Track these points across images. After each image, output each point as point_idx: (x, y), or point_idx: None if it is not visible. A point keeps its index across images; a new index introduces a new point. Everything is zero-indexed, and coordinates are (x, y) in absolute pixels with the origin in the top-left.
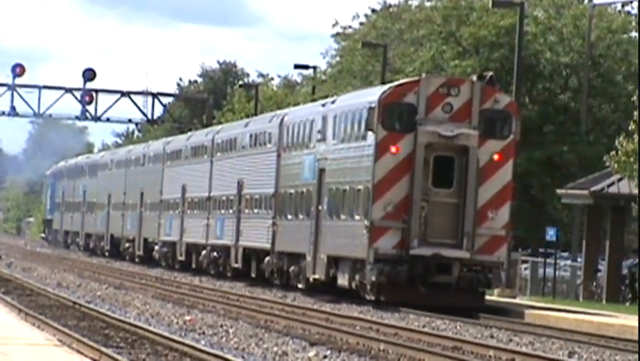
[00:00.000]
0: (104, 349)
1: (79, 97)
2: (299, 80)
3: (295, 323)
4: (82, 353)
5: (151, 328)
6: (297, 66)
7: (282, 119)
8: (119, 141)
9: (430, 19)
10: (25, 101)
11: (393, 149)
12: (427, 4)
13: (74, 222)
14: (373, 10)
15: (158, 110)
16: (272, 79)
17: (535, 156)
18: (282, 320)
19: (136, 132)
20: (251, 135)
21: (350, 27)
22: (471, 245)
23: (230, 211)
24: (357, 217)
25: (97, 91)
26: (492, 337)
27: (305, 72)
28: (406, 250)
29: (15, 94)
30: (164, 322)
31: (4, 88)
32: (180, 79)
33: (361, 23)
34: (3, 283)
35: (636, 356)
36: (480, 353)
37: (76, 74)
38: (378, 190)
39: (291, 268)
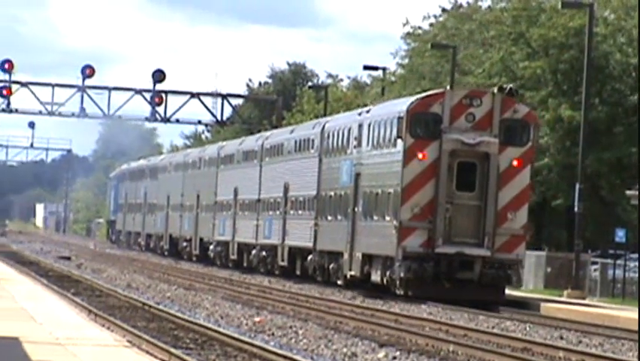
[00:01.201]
0: (173, 350)
1: (148, 98)
2: (368, 81)
3: (364, 324)
4: (151, 354)
5: (220, 329)
6: (366, 67)
7: (323, 127)
8: (188, 143)
9: (499, 20)
10: (95, 103)
11: (420, 155)
12: (498, 5)
13: (136, 223)
14: (444, 10)
15: (228, 112)
16: (341, 80)
17: (604, 157)
18: (351, 321)
19: (205, 134)
20: (296, 141)
21: (420, 28)
22: (492, 244)
23: (277, 212)
24: (387, 218)
25: (166, 92)
26: (561, 338)
27: (374, 73)
28: (432, 249)
29: (85, 95)
30: (234, 323)
31: (74, 89)
32: (250, 80)
33: (431, 24)
34: (73, 284)
35: None
36: (549, 354)
37: (145, 75)
38: (407, 193)
39: (331, 266)
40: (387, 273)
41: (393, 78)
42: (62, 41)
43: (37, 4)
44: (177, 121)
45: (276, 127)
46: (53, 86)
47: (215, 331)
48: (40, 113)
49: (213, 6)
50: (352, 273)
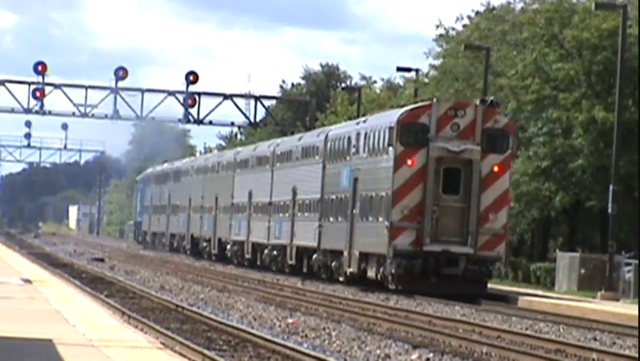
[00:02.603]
0: (206, 352)
1: (181, 100)
2: (401, 82)
3: (398, 326)
4: (185, 356)
5: (254, 331)
6: (399, 69)
7: (327, 135)
8: (222, 144)
9: (532, 21)
10: (128, 105)
11: (409, 162)
12: (531, 7)
13: (160, 224)
14: (477, 13)
15: (261, 113)
16: (374, 82)
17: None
18: (384, 322)
19: (239, 135)
20: (303, 148)
21: (453, 29)
22: (475, 242)
23: (287, 215)
24: (380, 219)
25: (199, 94)
26: (595, 339)
27: (407, 75)
28: (420, 247)
29: (118, 97)
30: (267, 325)
31: (107, 91)
32: (283, 81)
33: (464, 26)
34: (106, 285)
35: None
36: (583, 355)
37: (179, 77)
38: (397, 196)
39: (333, 263)
40: (381, 269)
41: (426, 80)
42: (95, 43)
43: (70, 6)
44: (210, 123)
45: (309, 129)
46: (86, 87)
47: (249, 333)
48: (74, 115)
49: (246, 8)
50: (351, 270)
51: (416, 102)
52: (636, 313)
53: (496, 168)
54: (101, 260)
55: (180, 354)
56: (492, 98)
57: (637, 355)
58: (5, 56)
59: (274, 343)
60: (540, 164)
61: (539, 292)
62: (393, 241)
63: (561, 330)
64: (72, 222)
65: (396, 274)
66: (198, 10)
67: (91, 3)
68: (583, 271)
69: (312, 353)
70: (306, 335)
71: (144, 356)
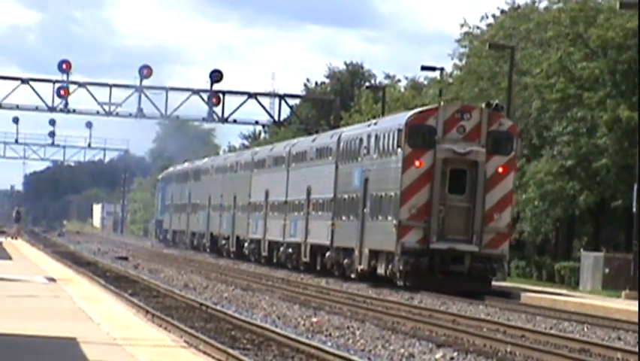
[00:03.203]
0: (230, 350)
1: (206, 98)
2: (426, 82)
3: (422, 325)
4: (208, 355)
5: (278, 330)
6: (424, 68)
7: (339, 136)
8: (246, 143)
9: (557, 20)
10: (153, 103)
11: (417, 163)
12: (556, 6)
13: (181, 222)
14: (502, 12)
15: (285, 112)
16: (399, 81)
17: None
18: (408, 321)
19: (262, 134)
20: (317, 149)
21: (478, 28)
22: (479, 241)
23: (301, 213)
24: (389, 218)
25: (224, 92)
26: (619, 339)
27: (431, 74)
28: (427, 245)
29: (142, 96)
30: (291, 323)
31: (132, 90)
32: (307, 80)
33: (489, 25)
34: (130, 284)
35: None
36: (607, 355)
37: (203, 75)
38: (405, 196)
39: (345, 261)
40: (390, 266)
41: (450, 79)
42: (119, 41)
43: (93, 4)
44: (235, 121)
45: (333, 127)
46: (111, 86)
47: (273, 331)
48: (98, 113)
49: (268, 6)
50: (362, 267)
51: (440, 102)
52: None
53: (500, 170)
54: (125, 259)
55: (204, 353)
56: (497, 102)
57: None
58: (29, 55)
59: (298, 342)
60: (564, 163)
61: (564, 291)
62: (402, 239)
63: (585, 329)
64: (96, 221)
65: (404, 270)
66: (220, 8)
67: (114, 1)
68: (607, 270)
69: (336, 351)
70: (330, 334)
71: (168, 354)
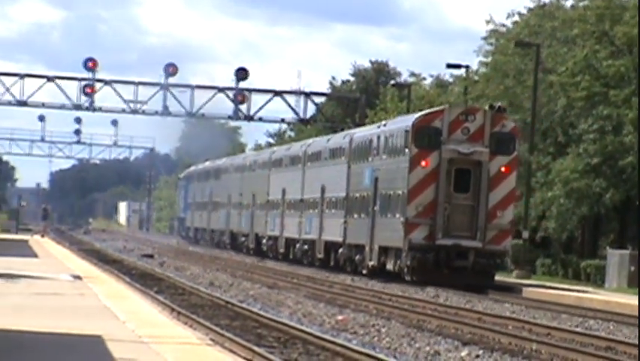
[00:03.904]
0: (256, 348)
1: (231, 96)
2: (451, 79)
3: (447, 323)
4: (234, 353)
5: (303, 327)
6: (449, 65)
7: (352, 137)
8: (272, 141)
9: (583, 18)
10: (178, 101)
11: (423, 163)
12: (581, 3)
13: (202, 220)
14: (528, 9)
15: (311, 110)
16: (424, 78)
17: None
18: (434, 319)
19: (288, 132)
20: (330, 149)
21: (504, 25)
22: (483, 237)
23: (316, 211)
24: (397, 215)
25: (249, 90)
26: None
27: (456, 72)
28: (433, 241)
29: (168, 94)
30: (317, 321)
31: (157, 88)
32: (333, 78)
33: (514, 22)
34: (156, 282)
35: None
36: (633, 353)
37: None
38: (412, 195)
39: (357, 257)
40: (398, 262)
41: (476, 77)
42: (144, 40)
43: (119, 3)
44: (260, 119)
45: (358, 125)
46: (137, 84)
47: (298, 329)
48: (124, 111)
49: (295, 4)
50: (372, 263)
51: (466, 100)
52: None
53: (503, 169)
54: (151, 256)
55: (230, 351)
56: (499, 104)
57: None
58: (54, 53)
59: (324, 340)
60: (590, 161)
61: (590, 289)
62: (409, 236)
63: (611, 327)
64: (122, 219)
65: (411, 266)
66: (245, 6)
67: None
68: (633, 268)
69: (362, 349)
70: (356, 332)
71: (194, 352)
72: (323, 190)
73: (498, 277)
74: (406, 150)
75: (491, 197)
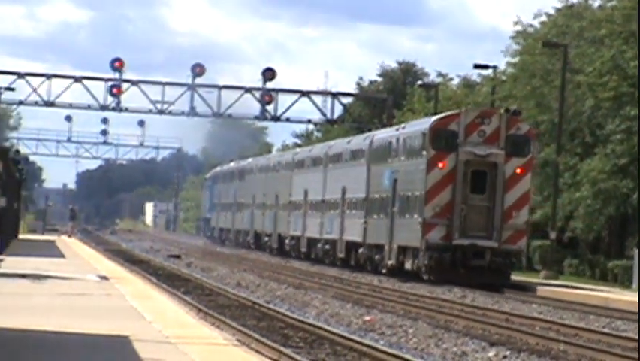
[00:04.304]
0: (283, 349)
1: (258, 97)
2: (478, 80)
3: (474, 323)
4: (261, 353)
5: (330, 328)
6: (476, 66)
7: (372, 139)
8: (299, 142)
9: (610, 18)
10: (205, 101)
11: (440, 165)
12: (609, 4)
13: (227, 220)
14: (558, 10)
15: (338, 110)
16: (451, 79)
17: None
18: (461, 320)
19: (315, 132)
20: (351, 151)
21: (531, 25)
22: (499, 237)
23: (337, 211)
24: (415, 216)
25: (276, 91)
26: None
27: (484, 72)
28: (450, 241)
29: (194, 94)
30: (344, 322)
31: (184, 88)
32: (360, 78)
33: (542, 22)
34: (182, 282)
35: None
36: None
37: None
38: (429, 196)
39: (376, 257)
40: (415, 261)
41: (503, 77)
42: (171, 40)
43: (146, 2)
44: (287, 120)
45: (385, 126)
46: (163, 84)
47: (325, 330)
48: (150, 111)
49: (322, 5)
50: (391, 262)
51: (493, 100)
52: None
53: (518, 171)
54: (178, 257)
55: (256, 351)
56: (514, 107)
57: None
58: (81, 53)
59: (351, 340)
60: (618, 161)
61: (617, 290)
62: (426, 236)
63: None
64: (148, 219)
65: (428, 265)
66: (271, 6)
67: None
68: None
69: (389, 350)
70: (383, 333)
71: (220, 353)
72: (344, 191)
73: (522, 278)
74: (424, 152)
75: (507, 198)
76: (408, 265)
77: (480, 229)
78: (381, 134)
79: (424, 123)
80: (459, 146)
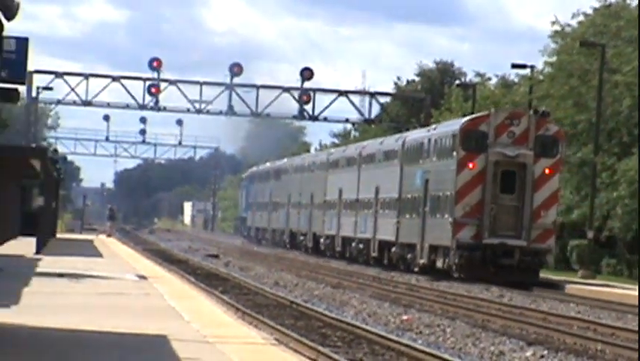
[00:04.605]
0: (321, 348)
1: (296, 96)
2: (516, 79)
3: (512, 323)
4: (299, 353)
5: (368, 327)
6: (514, 65)
7: (404, 140)
8: (337, 141)
9: None
10: (243, 101)
11: (470, 165)
12: None
13: (263, 220)
14: (596, 10)
15: (375, 110)
16: (489, 79)
17: None
18: (498, 319)
19: (353, 132)
20: (384, 151)
21: (569, 25)
22: (528, 236)
23: (371, 211)
24: (446, 216)
25: (314, 90)
26: None
27: (522, 72)
28: (480, 240)
29: (232, 93)
30: (381, 321)
31: (222, 87)
32: (398, 78)
33: (579, 22)
34: (221, 282)
35: None
36: None
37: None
38: (459, 196)
39: (409, 255)
40: (446, 260)
41: (541, 77)
42: (208, 39)
43: (183, 2)
44: (325, 119)
45: (423, 125)
46: (201, 84)
47: (363, 329)
48: (188, 111)
49: (359, 4)
50: (423, 261)
51: (531, 100)
52: None
53: (547, 171)
54: (216, 256)
55: (295, 351)
56: (543, 109)
57: None
58: (118, 53)
59: (388, 339)
60: None
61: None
62: (456, 235)
63: None
64: (187, 219)
65: (459, 264)
66: (309, 5)
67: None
68: None
69: (427, 349)
70: (421, 332)
71: (259, 352)
72: (377, 191)
73: (560, 277)
74: (454, 153)
75: (535, 198)
76: (439, 264)
77: (509, 228)
78: (414, 135)
79: (455, 124)
80: (489, 147)
